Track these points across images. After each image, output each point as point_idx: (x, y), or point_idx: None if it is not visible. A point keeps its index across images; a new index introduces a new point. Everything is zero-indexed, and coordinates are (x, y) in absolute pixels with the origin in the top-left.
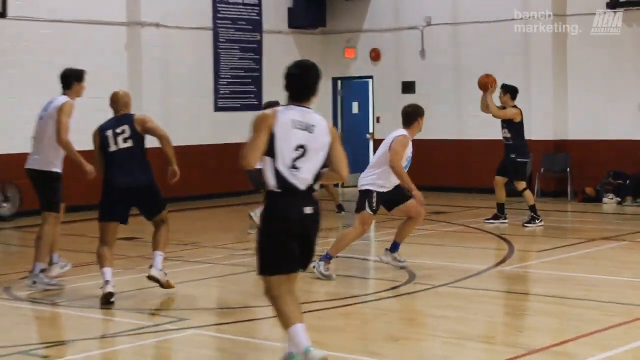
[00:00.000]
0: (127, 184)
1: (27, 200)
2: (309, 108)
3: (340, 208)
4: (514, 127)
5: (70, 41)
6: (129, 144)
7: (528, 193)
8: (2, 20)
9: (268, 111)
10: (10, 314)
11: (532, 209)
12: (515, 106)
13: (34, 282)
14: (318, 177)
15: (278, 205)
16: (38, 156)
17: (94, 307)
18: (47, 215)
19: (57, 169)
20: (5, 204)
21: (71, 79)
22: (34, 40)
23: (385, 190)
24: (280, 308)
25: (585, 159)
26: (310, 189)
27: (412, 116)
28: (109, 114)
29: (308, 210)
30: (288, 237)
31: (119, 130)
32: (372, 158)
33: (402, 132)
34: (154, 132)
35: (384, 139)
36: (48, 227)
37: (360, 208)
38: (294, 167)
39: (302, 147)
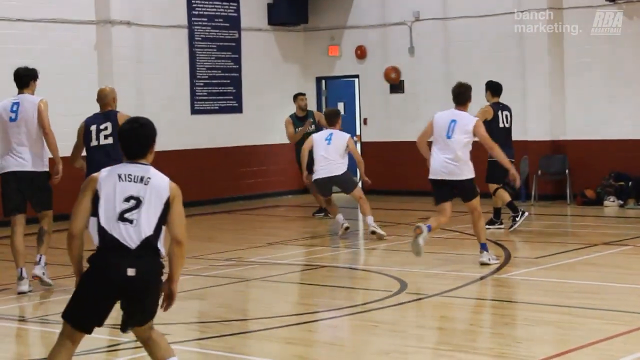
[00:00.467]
0: None
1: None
2: (144, 164)
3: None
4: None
5: (34, 42)
6: (109, 140)
7: (500, 192)
8: None
9: (93, 175)
10: None
11: (499, 211)
12: (489, 104)
13: (43, 273)
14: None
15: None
16: (28, 157)
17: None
18: (47, 212)
19: (47, 167)
20: None
21: (29, 78)
22: None
23: None
24: (52, 351)
25: (584, 159)
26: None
27: (468, 94)
28: (78, 117)
29: (131, 271)
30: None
31: (102, 127)
32: (444, 146)
33: (464, 114)
34: None
35: (371, 142)
36: (50, 222)
37: (474, 194)
38: (123, 220)
39: (133, 198)
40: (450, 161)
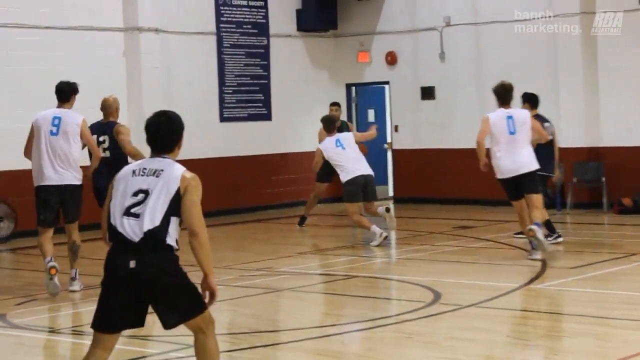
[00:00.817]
0: (99, 192)
1: (22, 220)
2: (166, 158)
3: (303, 220)
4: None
5: (61, 49)
6: (107, 154)
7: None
8: None
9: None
10: (5, 342)
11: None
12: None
13: (80, 286)
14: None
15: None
16: (67, 171)
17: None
18: (76, 224)
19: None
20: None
21: (70, 93)
22: (22, 49)
23: None
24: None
25: (620, 166)
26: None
27: (512, 94)
28: None
29: (132, 263)
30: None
31: (101, 139)
32: (510, 143)
33: (517, 109)
34: (121, 146)
35: (403, 149)
36: (78, 233)
37: (539, 188)
38: (128, 214)
39: (142, 191)
40: (521, 155)
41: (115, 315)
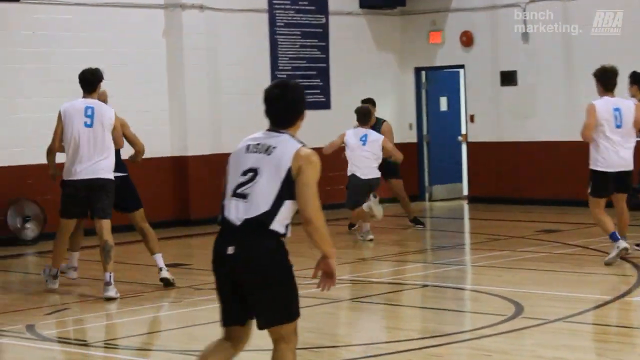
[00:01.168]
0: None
1: (52, 221)
2: (281, 133)
3: (417, 221)
4: None
5: (96, 28)
6: None
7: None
8: (15, 4)
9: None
10: (34, 356)
11: None
12: None
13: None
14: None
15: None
16: (103, 165)
17: (130, 347)
18: (108, 221)
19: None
20: (27, 225)
21: (95, 82)
22: (50, 28)
23: None
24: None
25: None
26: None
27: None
28: (144, 112)
29: (230, 249)
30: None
31: None
32: (618, 137)
33: (625, 100)
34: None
35: (478, 142)
36: (110, 233)
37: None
38: (236, 195)
39: (251, 170)
40: (626, 150)
41: (225, 306)
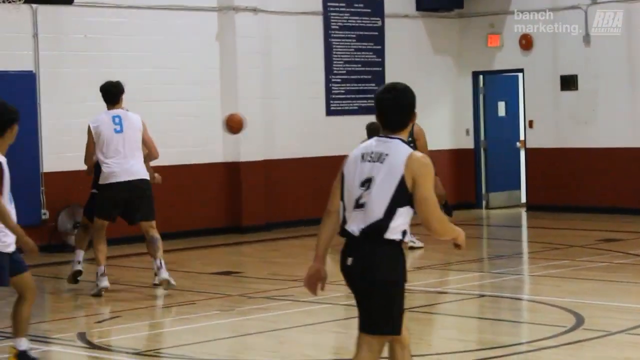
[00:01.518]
0: None
1: None
2: (392, 139)
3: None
4: None
5: (148, 31)
6: None
7: None
8: (68, 7)
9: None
10: None
11: None
12: None
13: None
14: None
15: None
16: (139, 167)
17: (181, 356)
18: (153, 222)
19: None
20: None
21: (118, 94)
22: (102, 31)
23: None
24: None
25: None
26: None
27: None
28: (195, 117)
29: (349, 260)
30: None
31: None
32: None
33: None
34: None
35: (538, 148)
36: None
37: None
38: (357, 207)
39: (367, 180)
40: None
41: (359, 313)
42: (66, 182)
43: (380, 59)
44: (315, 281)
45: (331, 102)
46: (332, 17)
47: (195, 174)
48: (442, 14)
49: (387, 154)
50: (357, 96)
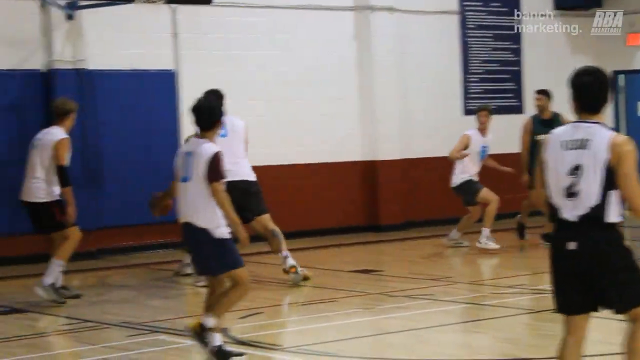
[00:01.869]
0: None
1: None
2: (590, 123)
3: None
4: None
5: (284, 31)
6: None
7: None
8: (206, 7)
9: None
10: None
11: None
12: None
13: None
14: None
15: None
16: (245, 168)
17: (325, 352)
18: (268, 217)
19: None
20: None
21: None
22: (236, 31)
23: None
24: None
25: None
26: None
27: None
28: (335, 118)
29: (572, 245)
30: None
31: None
32: None
33: None
34: None
35: None
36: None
37: None
38: (568, 195)
39: (576, 168)
40: None
41: (566, 297)
42: None
43: (517, 58)
44: None
45: (468, 101)
46: (468, 16)
47: (333, 173)
48: (581, 12)
49: (589, 140)
50: (495, 95)
